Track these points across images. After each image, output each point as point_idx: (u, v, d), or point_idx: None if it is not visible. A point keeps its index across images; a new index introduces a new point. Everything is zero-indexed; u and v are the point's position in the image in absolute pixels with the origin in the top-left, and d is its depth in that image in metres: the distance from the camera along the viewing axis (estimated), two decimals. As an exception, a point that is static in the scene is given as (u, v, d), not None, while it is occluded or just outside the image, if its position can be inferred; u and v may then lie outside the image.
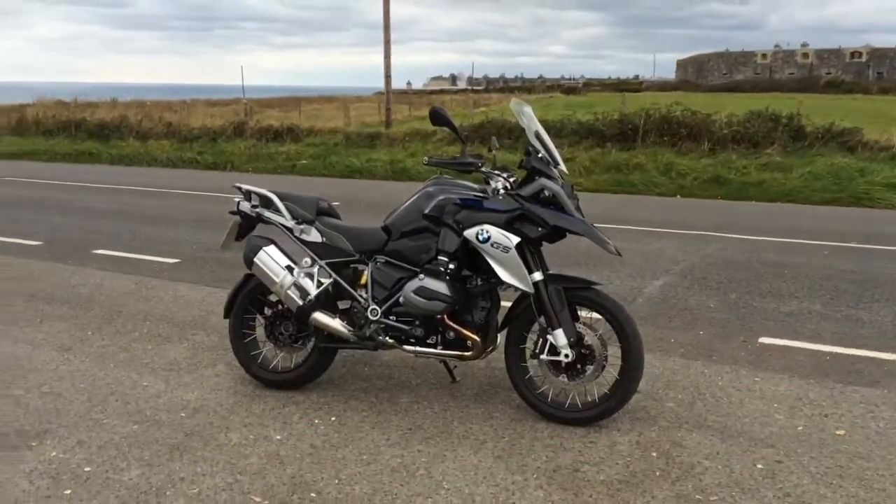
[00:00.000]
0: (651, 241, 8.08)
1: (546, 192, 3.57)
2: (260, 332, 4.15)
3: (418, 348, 3.79)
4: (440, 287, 3.61)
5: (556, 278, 3.66)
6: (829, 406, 3.85)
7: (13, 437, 3.47)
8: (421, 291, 3.62)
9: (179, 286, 6.22)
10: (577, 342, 3.58)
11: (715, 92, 66.97)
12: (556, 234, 3.65)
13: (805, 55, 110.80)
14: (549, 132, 13.46)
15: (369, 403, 3.89)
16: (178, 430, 3.56)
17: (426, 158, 3.76)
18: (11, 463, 3.22)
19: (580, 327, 3.62)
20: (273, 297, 4.07)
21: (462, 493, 3.02)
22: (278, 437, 3.49)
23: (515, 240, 3.53)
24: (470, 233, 3.58)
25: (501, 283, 3.60)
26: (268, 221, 4.04)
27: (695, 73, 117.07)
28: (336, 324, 3.85)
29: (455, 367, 4.14)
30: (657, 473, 3.18)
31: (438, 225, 3.69)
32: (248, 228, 4.17)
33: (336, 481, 3.10)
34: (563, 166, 3.70)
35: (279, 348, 4.10)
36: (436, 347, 3.77)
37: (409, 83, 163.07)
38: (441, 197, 3.71)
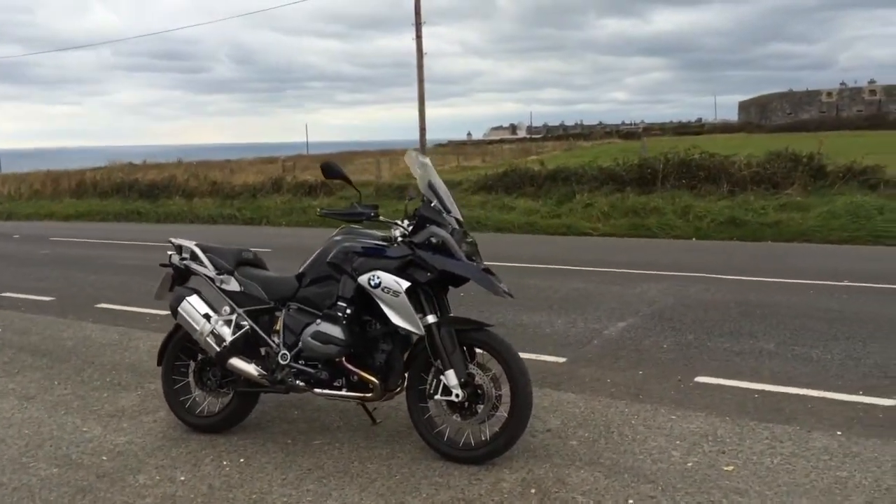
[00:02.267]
0: (637, 284, 8.09)
1: (433, 239, 3.74)
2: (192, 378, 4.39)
3: (326, 391, 3.96)
4: (335, 331, 3.80)
5: (451, 321, 3.80)
6: (732, 443, 3.86)
7: (-54, 479, 3.75)
8: (316, 335, 3.81)
9: (160, 337, 6.50)
10: (467, 382, 3.70)
11: (778, 132, 65.74)
12: (454, 278, 3.80)
13: (872, 91, 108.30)
14: (571, 178, 13.67)
15: (283, 445, 4.06)
16: (92, 472, 3.79)
17: (319, 210, 3.98)
18: (-70, 502, 3.50)
19: (472, 368, 3.74)
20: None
21: (329, 528, 3.16)
22: (182, 479, 3.69)
23: (405, 284, 3.70)
24: (363, 279, 3.77)
25: (394, 326, 3.76)
26: (195, 273, 4.31)
27: (758, 114, 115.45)
28: (251, 369, 4.05)
29: (374, 409, 4.28)
30: (525, 509, 3.25)
31: (339, 272, 3.89)
32: (182, 279, 4.45)
33: (216, 519, 3.27)
34: (456, 213, 3.87)
35: (207, 393, 4.32)
36: (341, 390, 3.93)
37: (469, 134, 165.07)
38: (343, 245, 3.92)
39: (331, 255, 3.93)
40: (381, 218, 3.91)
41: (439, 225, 3.79)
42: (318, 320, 3.86)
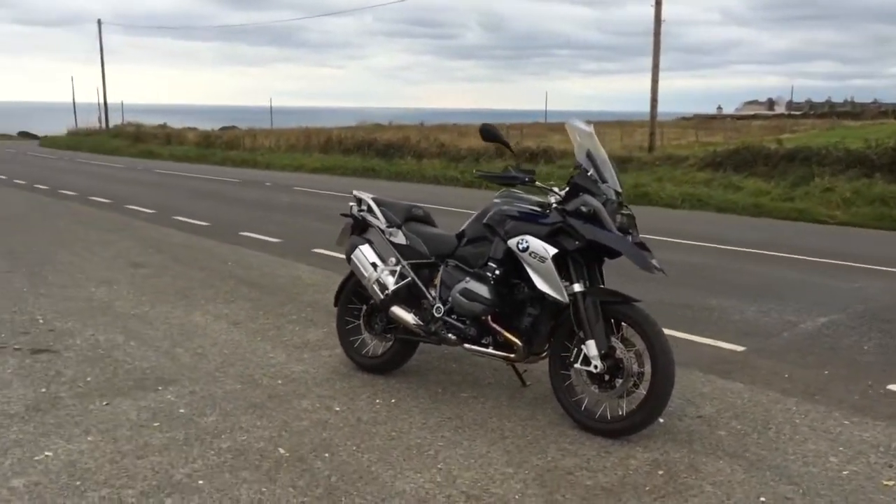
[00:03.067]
0: (857, 278, 7.35)
1: (585, 208, 3.70)
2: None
3: (473, 346, 4.10)
4: (481, 290, 3.91)
5: (597, 291, 3.76)
6: (905, 459, 3.46)
7: (150, 381, 4.40)
8: (464, 292, 3.95)
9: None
10: (608, 354, 3.66)
11: None
12: (606, 250, 3.74)
13: None
14: (812, 158, 12.80)
15: (433, 393, 4.27)
16: (266, 392, 4.25)
17: (476, 171, 4.07)
18: (134, 399, 4.12)
19: (614, 341, 3.69)
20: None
21: (450, 473, 3.30)
22: (337, 409, 4.03)
23: (552, 251, 3.71)
24: (512, 242, 3.83)
25: (538, 291, 3.79)
26: (370, 224, 4.62)
27: None
28: (409, 318, 4.29)
29: (525, 371, 4.36)
30: (646, 488, 3.18)
31: (493, 233, 3.99)
32: (361, 229, 4.78)
33: (354, 448, 3.54)
34: (615, 185, 3.79)
35: (373, 336, 4.64)
36: (488, 347, 4.05)
37: (719, 108, 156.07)
38: (501, 208, 4.01)
39: (487, 216, 4.03)
40: (537, 183, 3.93)
41: (593, 194, 3.74)
42: (468, 278, 3.99)
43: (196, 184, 18.45)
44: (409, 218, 4.50)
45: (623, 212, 3.77)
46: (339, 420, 3.88)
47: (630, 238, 3.72)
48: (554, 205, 3.85)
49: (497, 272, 3.93)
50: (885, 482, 3.23)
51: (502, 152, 19.93)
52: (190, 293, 6.55)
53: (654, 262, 3.66)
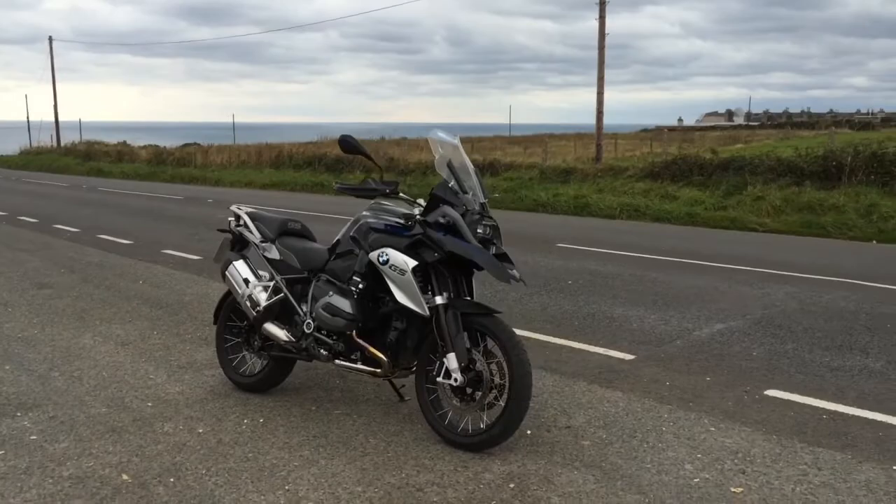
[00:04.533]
0: (767, 285, 7.41)
1: (443, 219, 3.66)
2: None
3: (343, 363, 4.02)
4: (343, 304, 3.84)
5: (459, 304, 3.71)
6: (761, 464, 3.46)
7: (11, 407, 4.24)
8: (327, 307, 3.88)
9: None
10: (467, 367, 3.60)
11: None
12: (465, 261, 3.69)
13: None
14: (745, 168, 12.98)
15: (305, 411, 4.18)
16: (132, 415, 4.12)
17: (336, 184, 4.01)
18: (-10, 424, 3.98)
19: (475, 353, 3.64)
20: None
21: (296, 494, 3.21)
22: (200, 431, 3.91)
23: (412, 263, 3.66)
24: (373, 255, 3.77)
25: (399, 304, 3.73)
26: (247, 239, 4.53)
27: None
28: (281, 334, 4.20)
29: (402, 386, 4.29)
30: (492, 502, 3.12)
31: (359, 246, 3.93)
32: (241, 245, 4.69)
33: (203, 472, 3.43)
34: (478, 195, 3.75)
35: (252, 354, 4.55)
36: (356, 363, 3.97)
37: (680, 119, 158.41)
38: (368, 220, 3.95)
39: (354, 229, 3.97)
40: (401, 195, 3.88)
41: (452, 205, 3.70)
42: (331, 292, 3.92)
43: (136, 202, 18.12)
44: (284, 232, 4.42)
45: (485, 222, 3.73)
46: (199, 442, 3.77)
47: (493, 249, 3.68)
48: (417, 217, 3.80)
49: (361, 286, 3.87)
50: (734, 489, 3.22)
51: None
52: (87, 314, 6.38)
53: (513, 272, 3.62)
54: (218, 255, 4.75)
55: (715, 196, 13.94)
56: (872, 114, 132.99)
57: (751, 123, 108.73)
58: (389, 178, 3.98)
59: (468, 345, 3.66)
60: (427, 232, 3.68)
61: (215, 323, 4.71)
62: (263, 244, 4.39)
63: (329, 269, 4.12)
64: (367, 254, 3.82)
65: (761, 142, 46.04)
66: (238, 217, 4.60)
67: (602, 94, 21.04)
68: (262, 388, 4.46)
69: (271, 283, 4.30)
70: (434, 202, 3.76)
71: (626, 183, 15.80)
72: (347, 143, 3.89)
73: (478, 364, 3.62)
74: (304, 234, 4.50)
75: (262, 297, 4.24)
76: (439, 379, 3.68)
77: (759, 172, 14.11)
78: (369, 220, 3.95)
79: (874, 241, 11.02)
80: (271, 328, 4.23)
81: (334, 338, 3.99)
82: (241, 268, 4.38)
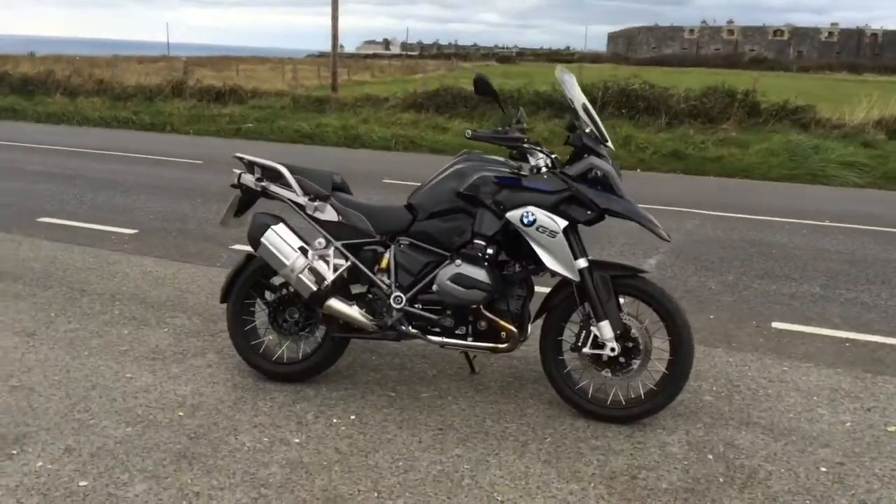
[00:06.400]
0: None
1: (596, 173, 3.26)
2: (261, 318, 3.75)
3: (446, 339, 3.45)
4: (479, 274, 3.28)
5: (600, 265, 3.37)
6: (868, 399, 3.71)
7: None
8: (458, 279, 3.28)
9: (144, 261, 5.69)
10: (623, 335, 3.31)
11: (643, 66, 67.50)
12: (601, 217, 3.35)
13: (730, 32, 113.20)
14: (508, 101, 13.02)
15: (388, 399, 3.55)
16: (179, 432, 3.15)
17: (468, 132, 3.38)
18: (-8, 476, 2.76)
19: (626, 318, 3.35)
20: (277, 281, 3.67)
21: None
22: (297, 441, 3.12)
23: (563, 223, 3.22)
24: (513, 215, 3.24)
25: (544, 269, 3.29)
26: (273, 196, 3.62)
27: (625, 46, 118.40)
28: (354, 312, 3.47)
29: (475, 357, 3.82)
30: (721, 480, 2.95)
31: (475, 205, 3.35)
32: (247, 203, 3.75)
33: (375, 494, 2.76)
34: (610, 143, 3.40)
35: (283, 337, 3.71)
36: (465, 339, 3.44)
37: (342, 46, 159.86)
38: (477, 175, 3.36)
39: (466, 184, 3.36)
40: (526, 145, 3.38)
41: (599, 156, 3.32)
42: (459, 261, 3.32)
43: None
44: (334, 188, 3.60)
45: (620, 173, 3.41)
46: (315, 456, 3.02)
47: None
48: (544, 169, 3.33)
49: (489, 251, 3.31)
50: (889, 429, 3.41)
51: (179, 92, 17.97)
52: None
53: (660, 227, 3.37)
54: (225, 217, 3.74)
55: (484, 127, 14.35)
56: (508, 49, 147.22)
57: (409, 53, 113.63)
58: (511, 122, 3.43)
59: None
60: (577, 187, 3.25)
61: (224, 301, 3.74)
62: (314, 203, 3.53)
63: (417, 232, 3.45)
64: (502, 214, 3.27)
65: (437, 72, 48.52)
66: (260, 168, 3.62)
67: (337, 18, 20.34)
68: (308, 375, 3.68)
69: (330, 251, 3.51)
70: (579, 153, 3.32)
71: (391, 114, 15.59)
72: (484, 85, 3.27)
73: (633, 330, 3.33)
74: (348, 190, 3.72)
75: (326, 269, 3.44)
76: (586, 349, 3.34)
77: (521, 105, 14.81)
78: (484, 173, 3.36)
79: (638, 170, 12.27)
80: (339, 306, 3.46)
81: (447, 312, 3.40)
82: (285, 234, 3.49)
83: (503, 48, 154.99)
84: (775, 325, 4.73)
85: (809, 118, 13.59)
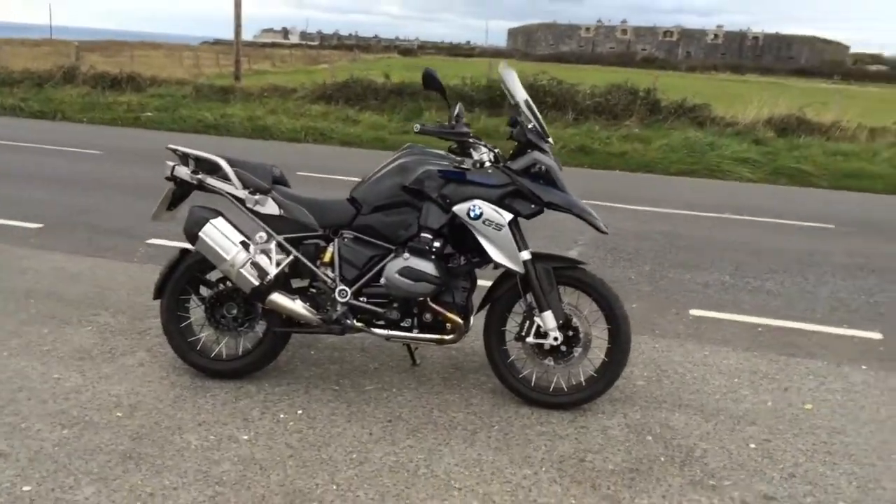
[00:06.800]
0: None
1: (539, 167, 3.35)
2: (197, 314, 3.66)
3: (391, 332, 3.47)
4: (427, 267, 3.31)
5: (542, 257, 3.46)
6: (784, 379, 3.96)
7: (-89, 451, 2.82)
8: (407, 272, 3.30)
9: (55, 256, 5.43)
10: (564, 324, 3.42)
11: (543, 62, 69.01)
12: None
13: (624, 31, 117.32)
14: (418, 94, 13.21)
15: (333, 393, 3.54)
16: (119, 433, 3.05)
17: (417, 126, 3.39)
18: (-78, 486, 2.60)
19: (568, 308, 3.46)
20: (214, 276, 3.59)
21: (477, 493, 2.79)
22: (245, 438, 3.08)
23: (508, 217, 3.30)
24: (460, 208, 3.29)
25: (488, 261, 3.36)
26: (210, 190, 3.53)
27: (524, 43, 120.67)
28: (297, 306, 3.44)
29: (416, 349, 3.86)
30: (662, 459, 3.10)
31: (420, 199, 3.37)
32: (180, 197, 3.65)
33: (334, 487, 2.76)
34: (551, 139, 3.50)
35: (221, 333, 3.63)
36: (411, 331, 3.47)
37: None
38: (422, 169, 3.39)
39: (411, 178, 3.38)
40: (471, 139, 3.43)
41: (541, 151, 3.41)
42: (406, 255, 3.34)
43: None
44: (274, 181, 3.55)
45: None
46: (266, 452, 2.99)
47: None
48: (488, 163, 3.39)
49: (435, 244, 3.35)
50: (806, 407, 3.67)
51: (71, 79, 17.13)
52: None
53: (599, 220, 3.49)
54: (157, 211, 3.62)
55: (396, 120, 14.39)
56: (409, 41, 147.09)
57: (309, 43, 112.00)
58: (455, 118, 3.46)
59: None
60: (521, 181, 3.33)
61: (158, 298, 3.62)
62: (254, 196, 3.47)
63: (361, 225, 3.45)
64: (448, 208, 3.31)
65: (339, 62, 47.99)
66: (194, 160, 3.53)
67: (240, 5, 19.84)
68: (247, 371, 3.62)
69: (272, 245, 3.46)
70: (523, 148, 3.40)
71: (300, 105, 15.36)
72: (432, 79, 3.28)
73: (574, 320, 3.45)
74: (287, 183, 3.67)
75: (269, 263, 3.39)
76: (529, 339, 3.43)
77: (431, 98, 14.89)
78: (429, 167, 3.39)
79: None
80: (282, 300, 3.43)
81: (394, 304, 3.42)
82: (224, 228, 3.42)
83: (405, 40, 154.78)
84: (693, 312, 4.98)
85: (705, 116, 14.26)
